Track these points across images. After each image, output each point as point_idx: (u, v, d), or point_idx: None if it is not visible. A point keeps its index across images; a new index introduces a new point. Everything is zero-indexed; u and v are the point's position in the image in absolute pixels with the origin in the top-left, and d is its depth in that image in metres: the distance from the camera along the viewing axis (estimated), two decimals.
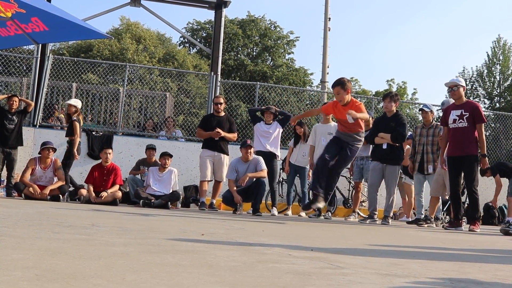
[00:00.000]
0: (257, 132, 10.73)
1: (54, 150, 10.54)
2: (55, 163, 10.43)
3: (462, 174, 8.52)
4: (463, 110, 8.35)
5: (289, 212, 10.93)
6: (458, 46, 75.88)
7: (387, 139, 8.86)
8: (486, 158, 8.29)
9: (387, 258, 3.10)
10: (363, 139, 7.44)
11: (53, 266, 2.01)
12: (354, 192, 10.91)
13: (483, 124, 8.35)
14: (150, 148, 11.63)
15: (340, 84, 6.92)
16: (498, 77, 37.91)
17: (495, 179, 12.53)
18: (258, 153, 10.23)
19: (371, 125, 9.61)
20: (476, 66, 43.76)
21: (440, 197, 9.58)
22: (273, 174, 10.51)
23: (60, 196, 10.25)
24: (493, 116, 17.48)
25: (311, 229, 6.24)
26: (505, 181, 12.48)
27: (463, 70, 38.80)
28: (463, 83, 8.66)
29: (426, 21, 77.21)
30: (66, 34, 8.13)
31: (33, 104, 11.56)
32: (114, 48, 32.54)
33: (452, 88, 8.51)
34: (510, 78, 37.71)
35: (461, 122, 8.33)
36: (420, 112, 10.14)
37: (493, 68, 37.87)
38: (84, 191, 10.37)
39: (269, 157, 10.40)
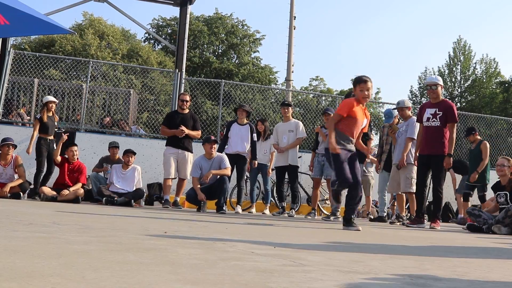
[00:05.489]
0: (234, 133, 10.59)
1: (15, 146, 10.33)
2: (16, 160, 10.22)
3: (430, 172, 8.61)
4: (437, 109, 8.34)
5: (253, 210, 10.96)
6: (420, 46, 77.17)
7: None
8: (451, 158, 8.29)
9: (348, 255, 3.13)
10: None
11: (10, 265, 1.97)
12: (313, 189, 10.91)
13: (455, 124, 8.37)
14: (114, 146, 11.49)
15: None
16: (459, 77, 38.63)
17: (449, 172, 12.95)
18: (237, 155, 10.28)
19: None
20: (438, 66, 44.57)
21: (404, 195, 9.66)
22: (241, 173, 10.50)
23: (21, 193, 10.06)
24: None
25: (275, 226, 6.26)
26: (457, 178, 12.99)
27: (425, 70, 39.50)
28: (441, 82, 8.65)
29: (389, 21, 78.28)
30: (28, 28, 7.96)
31: None
32: (76, 44, 32.09)
33: (431, 86, 8.49)
34: (470, 79, 38.47)
35: (434, 121, 8.33)
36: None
37: (454, 69, 38.59)
38: (45, 189, 10.19)
39: (243, 157, 10.44)
